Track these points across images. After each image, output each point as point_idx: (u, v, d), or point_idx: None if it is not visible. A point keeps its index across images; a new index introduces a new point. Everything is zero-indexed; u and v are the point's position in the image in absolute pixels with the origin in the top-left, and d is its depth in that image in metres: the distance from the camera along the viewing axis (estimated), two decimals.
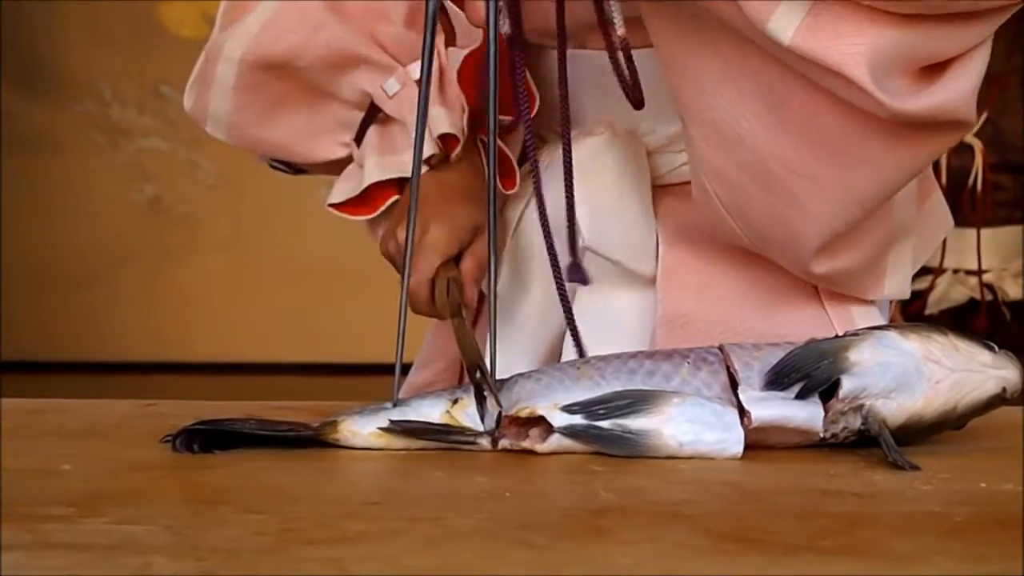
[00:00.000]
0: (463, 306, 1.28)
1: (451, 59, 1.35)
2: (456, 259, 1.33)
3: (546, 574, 0.79)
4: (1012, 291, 3.36)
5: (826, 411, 1.08)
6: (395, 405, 1.10)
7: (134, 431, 1.14)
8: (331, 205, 1.38)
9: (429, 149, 1.34)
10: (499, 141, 1.30)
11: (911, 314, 3.33)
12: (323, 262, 5.10)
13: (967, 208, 3.34)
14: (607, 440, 1.06)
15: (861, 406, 1.08)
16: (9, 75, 5.18)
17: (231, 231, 5.18)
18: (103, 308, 5.20)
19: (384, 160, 1.36)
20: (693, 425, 1.07)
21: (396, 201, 1.37)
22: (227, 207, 5.18)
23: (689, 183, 1.28)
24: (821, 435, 1.09)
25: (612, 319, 1.33)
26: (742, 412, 1.08)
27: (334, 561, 0.80)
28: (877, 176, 1.18)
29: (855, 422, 1.09)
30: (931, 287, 3.37)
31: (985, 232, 3.33)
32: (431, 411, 1.09)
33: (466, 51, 1.35)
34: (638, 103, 1.20)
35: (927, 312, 3.35)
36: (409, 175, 1.26)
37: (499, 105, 1.18)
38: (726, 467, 1.04)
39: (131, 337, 5.20)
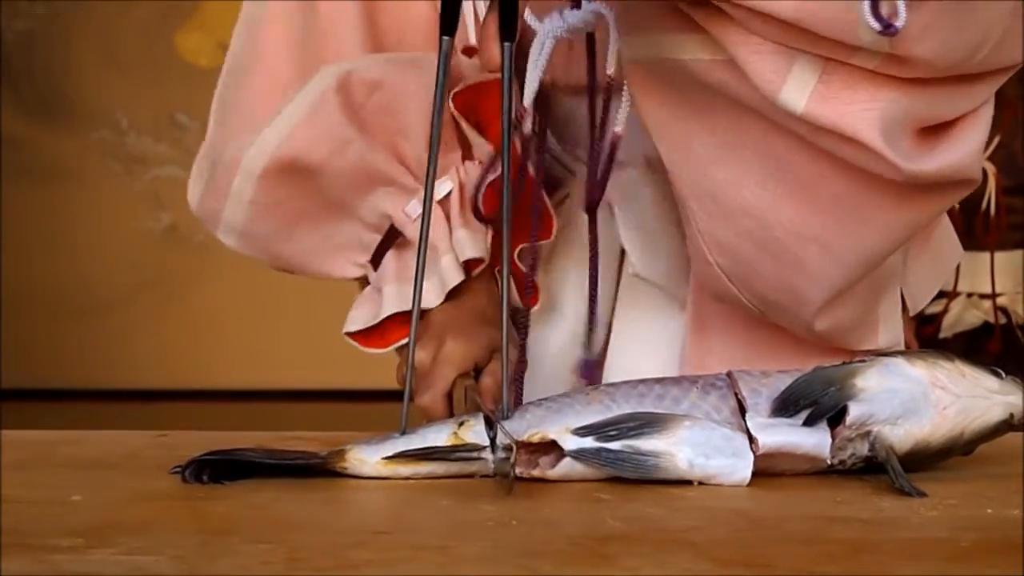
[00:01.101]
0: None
1: (470, 176, 1.33)
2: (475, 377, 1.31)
3: None
4: None
5: (833, 438, 1.08)
6: (403, 433, 1.10)
7: (145, 462, 1.14)
8: (347, 333, 1.37)
9: (454, 277, 1.32)
10: (515, 261, 1.32)
11: (925, 338, 3.32)
12: (339, 291, 5.09)
13: (980, 231, 3.33)
14: (617, 461, 1.07)
15: (868, 432, 1.08)
16: (25, 103, 5.20)
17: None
18: (119, 336, 5.21)
19: (403, 289, 1.34)
20: (703, 448, 1.07)
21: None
22: None
23: None
24: (828, 462, 1.09)
25: (647, 343, 1.34)
26: (750, 439, 1.08)
27: None
28: (883, 236, 1.18)
29: (862, 448, 1.09)
30: (945, 311, 3.36)
31: (999, 255, 3.33)
32: (438, 436, 1.10)
33: (490, 176, 1.29)
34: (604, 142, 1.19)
35: (941, 336, 3.34)
36: (429, 306, 1.31)
37: (514, 231, 1.18)
38: (733, 494, 1.05)
39: (146, 365, 5.21)
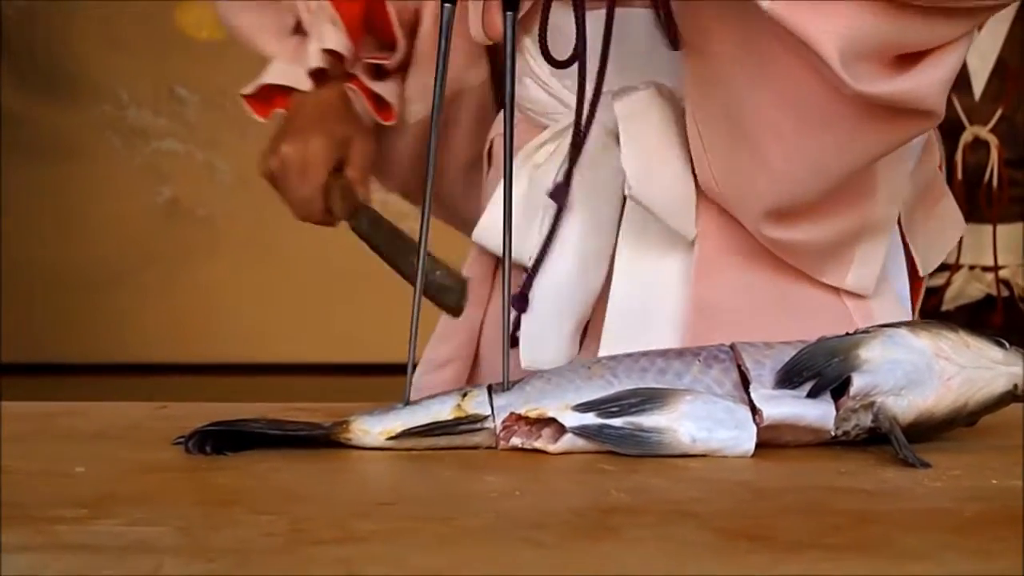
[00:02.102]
0: (359, 208, 1.42)
1: None
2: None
3: (555, 573, 0.79)
4: None
5: (837, 409, 1.08)
6: (407, 404, 1.10)
7: (147, 433, 1.14)
8: (243, 95, 1.50)
9: (316, 61, 1.46)
10: (371, 81, 1.48)
11: (928, 311, 3.32)
12: (341, 263, 5.09)
13: (983, 204, 3.33)
14: (620, 438, 1.06)
15: (872, 403, 1.08)
16: (25, 78, 5.19)
17: (249, 232, 5.19)
18: (122, 311, 5.21)
19: (287, 68, 1.48)
20: (706, 422, 1.07)
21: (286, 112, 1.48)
22: (245, 208, 5.18)
23: None
24: (832, 433, 1.09)
25: (649, 280, 1.33)
26: (754, 410, 1.08)
27: (344, 561, 0.81)
28: (840, 149, 1.21)
29: (866, 420, 1.09)
30: (947, 283, 3.36)
31: (1001, 228, 3.32)
32: (442, 408, 1.09)
33: None
34: (674, 42, 1.25)
35: (943, 308, 3.34)
36: (303, 88, 1.46)
37: (375, 44, 1.40)
38: (736, 465, 1.04)
39: (148, 339, 5.21)
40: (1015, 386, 1.11)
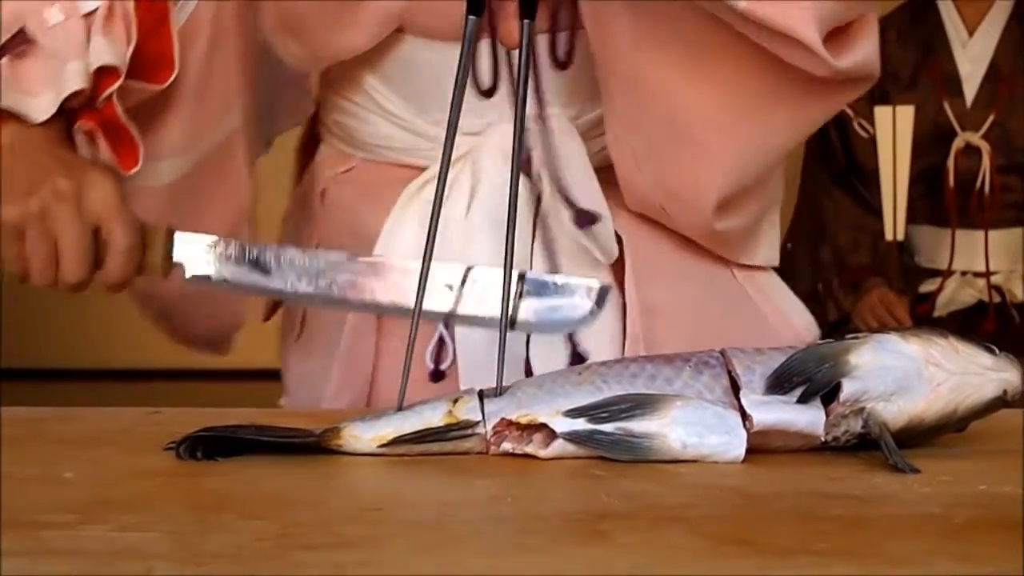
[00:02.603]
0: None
1: (86, 4, 1.23)
2: None
3: None
4: (1020, 293, 3.36)
5: (827, 414, 1.08)
6: (398, 410, 1.10)
7: (139, 439, 1.14)
8: None
9: (79, 82, 1.21)
10: (125, 117, 1.23)
11: (920, 316, 3.33)
12: None
13: (975, 210, 3.34)
14: (610, 444, 1.07)
15: (862, 409, 1.08)
16: None
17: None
18: (112, 315, 5.20)
19: (12, 95, 1.20)
20: (696, 428, 1.07)
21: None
22: None
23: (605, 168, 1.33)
24: (822, 438, 1.09)
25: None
26: (744, 416, 1.08)
27: (334, 566, 0.81)
28: (790, 127, 1.26)
29: (856, 425, 1.09)
30: (939, 289, 3.38)
31: (993, 234, 3.34)
32: (433, 415, 1.09)
33: None
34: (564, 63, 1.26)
35: (935, 314, 3.35)
36: (37, 120, 1.19)
37: (143, 70, 1.19)
38: (727, 471, 1.04)
39: (142, 344, 5.20)
40: (1005, 392, 1.11)
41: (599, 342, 1.31)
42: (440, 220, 1.20)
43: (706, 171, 1.26)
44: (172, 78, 1.26)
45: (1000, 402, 1.11)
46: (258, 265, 1.14)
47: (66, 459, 1.06)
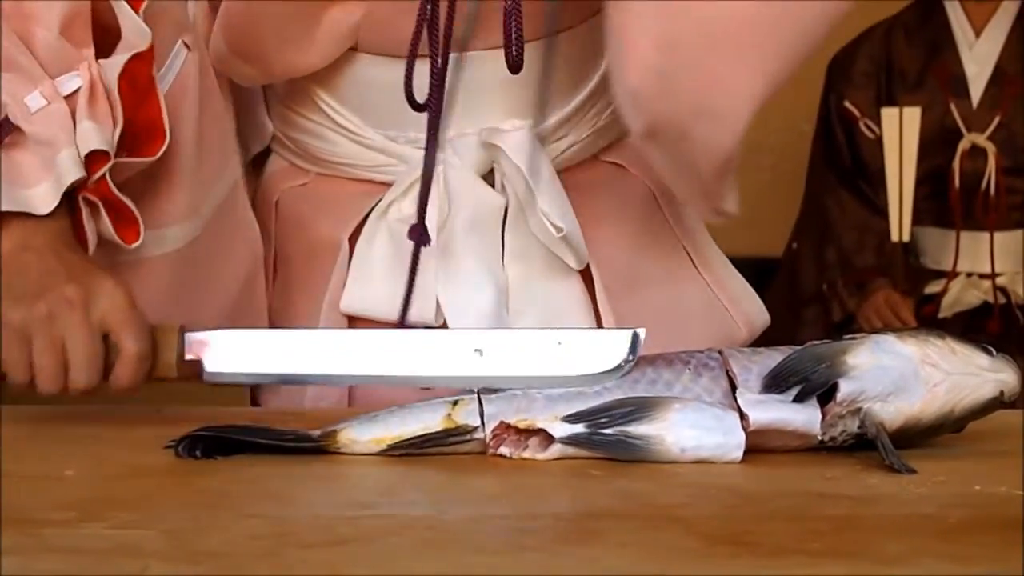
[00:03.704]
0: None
1: (107, 71, 1.19)
2: None
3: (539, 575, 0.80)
4: None
5: (824, 414, 1.09)
6: (396, 410, 1.10)
7: (138, 437, 1.14)
8: None
9: (76, 172, 1.16)
10: (120, 194, 1.19)
11: (925, 317, 3.33)
12: None
13: (980, 211, 3.34)
14: (610, 447, 1.07)
15: (859, 409, 1.09)
16: None
17: None
18: None
19: (12, 192, 1.15)
20: (695, 430, 1.07)
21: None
22: None
23: (563, 171, 1.35)
24: (819, 438, 1.09)
25: (548, 307, 1.34)
26: (741, 416, 1.08)
27: (330, 565, 0.81)
28: (803, 20, 1.23)
29: (853, 425, 1.09)
30: (944, 290, 3.37)
31: (998, 235, 3.34)
32: (432, 418, 1.09)
33: (126, 57, 1.19)
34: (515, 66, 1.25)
35: (940, 315, 3.35)
36: (42, 213, 1.15)
37: (134, 143, 1.16)
38: (723, 471, 1.05)
39: None
40: (1001, 392, 1.11)
41: None
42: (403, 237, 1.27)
43: (744, 80, 1.22)
44: (164, 147, 1.21)
45: (997, 403, 1.11)
46: (278, 352, 1.12)
47: (66, 457, 1.07)
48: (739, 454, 1.07)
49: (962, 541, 0.87)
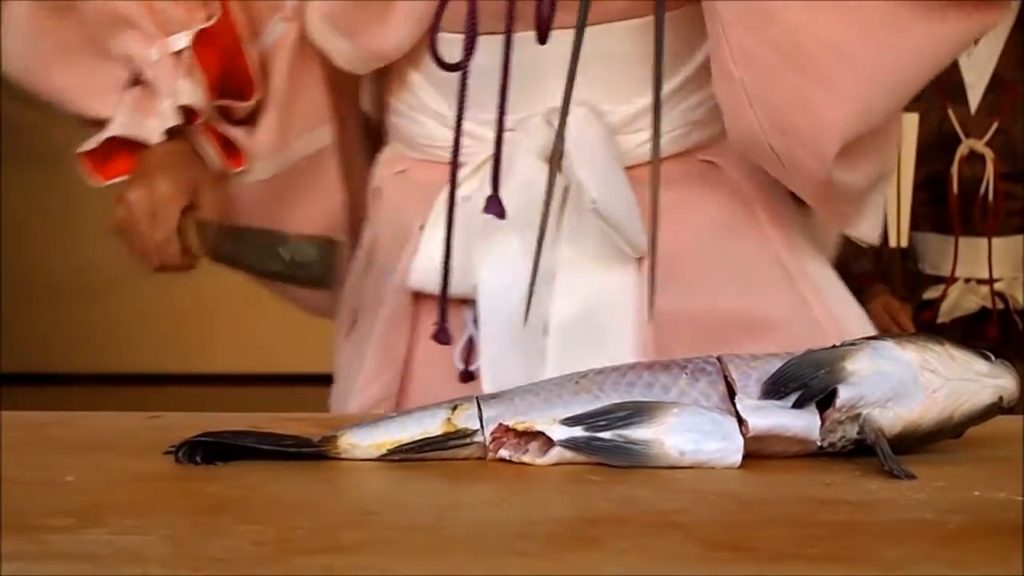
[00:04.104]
0: (218, 233, 1.43)
1: (176, 43, 1.44)
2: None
3: None
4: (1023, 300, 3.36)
5: (823, 420, 1.09)
6: (396, 416, 1.11)
7: (139, 443, 1.15)
8: (80, 153, 1.50)
9: (172, 119, 1.43)
10: (225, 125, 1.47)
11: (923, 323, 3.34)
12: None
13: (978, 217, 3.35)
14: (608, 451, 1.07)
15: (858, 415, 1.09)
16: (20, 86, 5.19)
17: None
18: (115, 321, 5.22)
19: (132, 118, 1.44)
20: (693, 434, 1.07)
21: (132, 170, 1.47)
22: None
23: (647, 165, 1.33)
24: (818, 444, 1.09)
25: (595, 296, 1.34)
26: (740, 422, 1.08)
27: (331, 570, 0.81)
28: (909, 52, 1.19)
29: (852, 431, 1.09)
30: (943, 296, 3.38)
31: (996, 241, 3.34)
32: (432, 422, 1.10)
33: (197, 28, 1.43)
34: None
35: (939, 321, 3.36)
36: (151, 140, 1.44)
37: (231, 88, 1.40)
38: (722, 476, 1.05)
39: (143, 349, 5.22)
40: (1000, 398, 1.11)
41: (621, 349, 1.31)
42: (466, 215, 1.27)
43: (829, 105, 1.20)
44: (256, 96, 1.46)
45: (996, 408, 1.12)
46: None
47: (66, 463, 1.07)
48: (738, 459, 1.07)
49: (962, 547, 0.87)
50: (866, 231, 1.33)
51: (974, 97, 3.38)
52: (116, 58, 1.44)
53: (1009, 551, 0.85)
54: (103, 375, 5.07)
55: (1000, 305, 3.36)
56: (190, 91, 1.42)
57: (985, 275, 3.35)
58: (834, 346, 1.12)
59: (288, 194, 1.53)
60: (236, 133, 1.47)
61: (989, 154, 3.33)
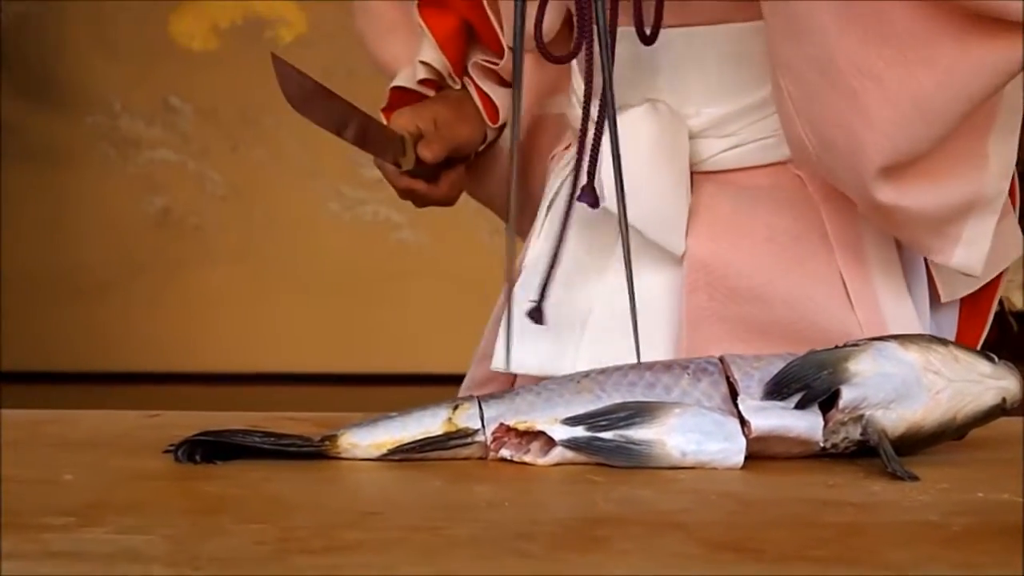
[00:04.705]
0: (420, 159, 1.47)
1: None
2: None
3: None
4: (1020, 301, 3.35)
5: (826, 421, 1.08)
6: (397, 415, 1.10)
7: (137, 442, 1.14)
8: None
9: (420, 73, 1.52)
10: (485, 81, 1.51)
11: None
12: (332, 273, 5.11)
13: None
14: (610, 451, 1.07)
15: (861, 416, 1.08)
16: (19, 87, 5.19)
17: (240, 242, 5.19)
18: (113, 320, 5.21)
19: (405, 74, 1.54)
20: (695, 435, 1.07)
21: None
22: (237, 219, 5.18)
23: (730, 171, 1.33)
24: (821, 445, 1.09)
25: (639, 297, 1.33)
26: (742, 422, 1.08)
27: (332, 571, 0.81)
28: (939, 81, 1.17)
29: (855, 432, 1.09)
30: None
31: None
32: (433, 422, 1.09)
33: None
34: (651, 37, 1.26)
35: None
36: (412, 88, 1.52)
37: (488, 47, 1.47)
38: (725, 477, 1.05)
39: (140, 348, 5.21)
40: (1003, 400, 1.11)
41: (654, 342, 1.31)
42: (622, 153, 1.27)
43: (863, 126, 1.19)
44: (505, 55, 1.48)
45: (999, 410, 1.11)
46: None
47: (64, 461, 1.07)
48: (740, 459, 1.07)
49: (967, 548, 0.86)
50: (961, 262, 1.29)
51: None
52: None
53: (1016, 553, 0.85)
54: (100, 374, 5.06)
55: (996, 307, 3.35)
56: (429, 51, 1.52)
57: None
58: (837, 347, 1.12)
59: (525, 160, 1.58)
60: (491, 89, 1.52)
61: None
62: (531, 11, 1.30)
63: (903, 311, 1.33)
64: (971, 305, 1.42)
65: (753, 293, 1.32)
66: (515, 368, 1.34)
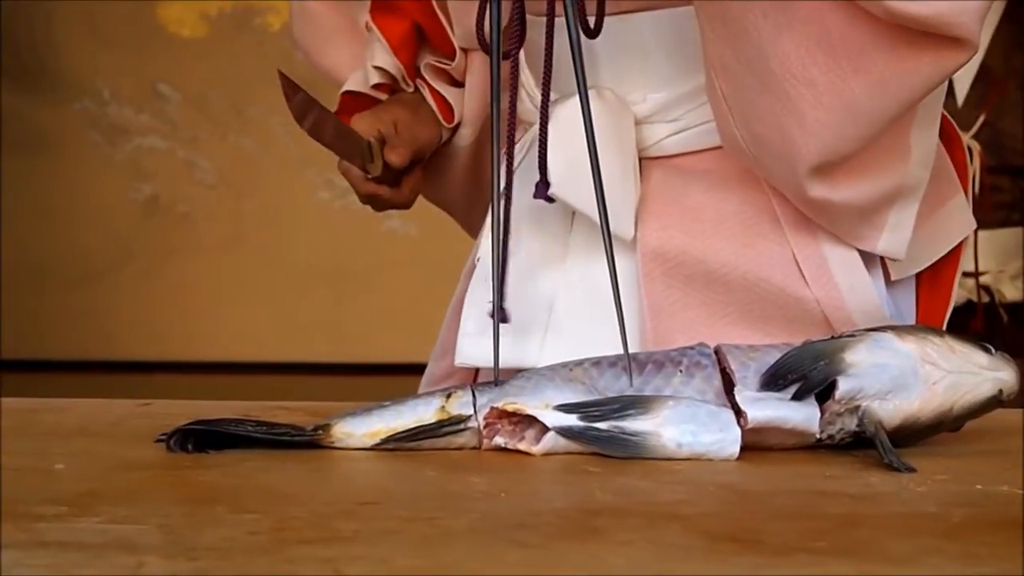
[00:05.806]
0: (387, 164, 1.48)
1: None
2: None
3: (540, 574, 0.79)
4: (1010, 293, 3.36)
5: (822, 412, 1.08)
6: (390, 404, 1.10)
7: (129, 430, 1.14)
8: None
9: (373, 78, 1.54)
10: (439, 83, 1.54)
11: None
12: (322, 262, 5.10)
13: None
14: (604, 441, 1.06)
15: (857, 407, 1.08)
16: (7, 73, 5.18)
17: (229, 231, 5.18)
18: (101, 307, 5.20)
19: (355, 78, 1.55)
20: (690, 426, 1.07)
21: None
22: (226, 207, 5.18)
23: (677, 156, 1.35)
24: (817, 436, 1.08)
25: (595, 284, 1.33)
26: (738, 413, 1.08)
27: (328, 561, 0.80)
28: (873, 89, 1.19)
29: (851, 423, 1.09)
30: None
31: (983, 234, 3.33)
32: (426, 410, 1.09)
33: None
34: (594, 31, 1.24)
35: None
36: (348, 88, 1.54)
37: (439, 49, 1.50)
38: (722, 468, 1.04)
39: (129, 336, 5.20)
40: (1000, 391, 1.11)
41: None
42: (566, 138, 1.28)
43: (796, 128, 1.21)
44: (456, 56, 1.52)
45: (995, 401, 1.11)
46: None
47: (57, 450, 1.06)
48: (736, 450, 1.06)
49: (966, 540, 0.86)
50: (886, 247, 1.31)
51: (961, 90, 3.37)
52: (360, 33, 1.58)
53: (1014, 545, 0.84)
54: (92, 362, 5.05)
55: (986, 299, 3.36)
56: (380, 55, 1.54)
57: (971, 268, 3.35)
58: (833, 337, 1.11)
59: (481, 162, 1.61)
60: (444, 90, 1.55)
61: (976, 147, 3.32)
62: (472, 9, 1.30)
63: (859, 283, 1.35)
64: (931, 280, 1.43)
65: (710, 278, 1.33)
66: (481, 363, 1.33)
